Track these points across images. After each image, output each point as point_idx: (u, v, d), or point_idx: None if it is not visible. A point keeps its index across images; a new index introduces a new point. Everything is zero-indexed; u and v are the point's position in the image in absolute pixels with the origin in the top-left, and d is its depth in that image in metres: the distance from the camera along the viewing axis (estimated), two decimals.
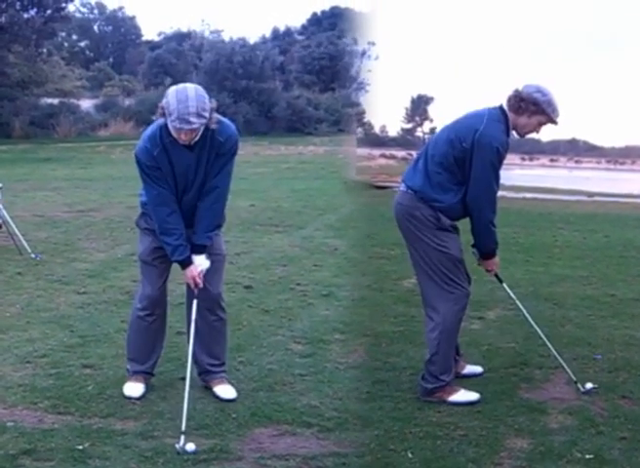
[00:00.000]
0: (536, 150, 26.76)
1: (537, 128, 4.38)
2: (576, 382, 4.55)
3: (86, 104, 35.31)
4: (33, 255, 8.23)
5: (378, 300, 6.70)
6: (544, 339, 4.70)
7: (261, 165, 21.20)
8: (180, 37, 52.36)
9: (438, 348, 4.42)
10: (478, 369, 4.92)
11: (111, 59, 62.16)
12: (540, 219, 12.38)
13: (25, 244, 8.44)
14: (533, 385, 4.72)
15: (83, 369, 4.88)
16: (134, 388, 4.47)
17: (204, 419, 4.14)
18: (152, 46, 52.30)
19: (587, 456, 3.74)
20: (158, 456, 3.70)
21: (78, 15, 57.59)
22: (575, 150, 29.31)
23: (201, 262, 4.34)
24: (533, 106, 4.28)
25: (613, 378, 4.85)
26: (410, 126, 28.53)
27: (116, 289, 6.96)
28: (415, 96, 27.82)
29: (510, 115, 4.34)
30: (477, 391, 4.48)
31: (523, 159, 25.28)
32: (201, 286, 4.36)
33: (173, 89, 4.07)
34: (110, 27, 66.25)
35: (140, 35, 66.58)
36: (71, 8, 35.36)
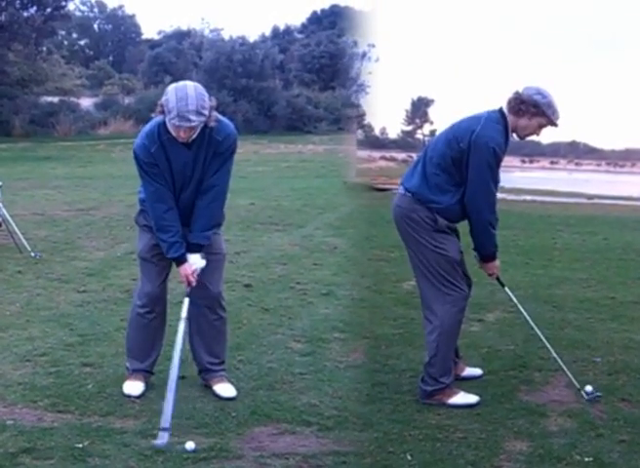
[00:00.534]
0: (536, 152, 26.76)
1: (537, 130, 4.39)
2: (579, 389, 4.51)
3: (86, 103, 35.26)
4: (33, 254, 8.22)
5: (377, 302, 6.70)
6: (545, 343, 4.70)
7: (261, 163, 21.20)
8: (180, 36, 52.30)
9: (437, 350, 4.42)
10: (478, 371, 4.92)
11: (111, 58, 62.15)
12: (539, 222, 12.37)
13: (25, 242, 8.44)
14: (532, 388, 4.72)
15: (83, 367, 4.88)
16: (133, 387, 4.48)
17: (204, 418, 4.15)
18: (152, 44, 52.20)
19: (587, 459, 3.75)
20: (158, 455, 3.70)
21: (78, 13, 57.62)
22: (575, 153, 29.30)
23: (196, 261, 4.34)
24: (533, 108, 4.29)
25: (612, 381, 4.85)
26: (410, 128, 28.53)
27: (116, 287, 6.97)
28: (415, 98, 27.80)
29: (510, 117, 4.35)
30: (476, 393, 4.48)
31: (523, 161, 25.28)
32: (194, 284, 4.36)
33: (172, 86, 4.09)
34: (110, 26, 66.25)
35: (139, 34, 66.59)
36: (71, 6, 35.52)
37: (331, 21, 50.70)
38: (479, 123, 4.29)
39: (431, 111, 27.41)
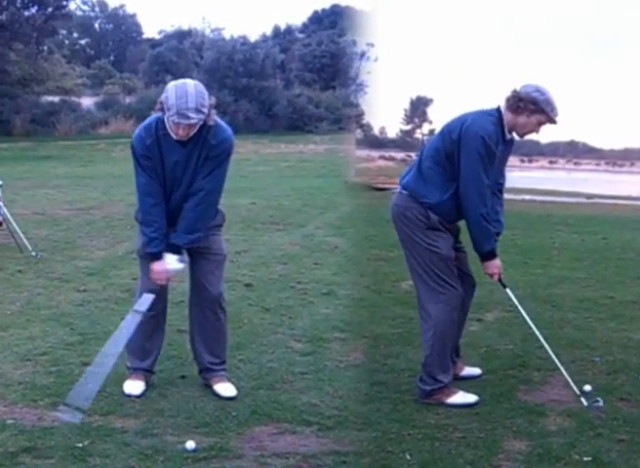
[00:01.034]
0: (535, 152, 26.76)
1: (536, 127, 4.39)
2: (579, 395, 4.49)
3: (87, 102, 35.26)
4: (34, 253, 8.24)
5: (376, 302, 6.71)
6: (545, 344, 4.68)
7: (262, 163, 21.21)
8: (181, 35, 52.32)
9: (432, 349, 4.44)
10: (476, 370, 4.93)
11: (112, 57, 62.19)
12: (538, 221, 12.37)
13: (26, 242, 8.45)
14: (531, 387, 4.73)
15: (83, 366, 4.87)
16: (134, 386, 4.49)
17: (204, 417, 4.16)
18: (153, 44, 52.20)
19: (585, 459, 3.75)
20: (158, 454, 3.71)
21: (79, 12, 57.70)
22: (574, 152, 29.32)
23: (171, 262, 4.31)
24: (532, 105, 4.29)
25: (611, 380, 4.86)
26: (409, 127, 28.56)
27: (116, 286, 6.98)
28: (414, 97, 27.85)
29: (509, 115, 4.35)
30: (475, 393, 4.49)
31: (522, 161, 25.26)
32: (163, 283, 4.37)
33: (172, 84, 4.11)
34: (111, 25, 66.30)
35: (140, 33, 66.62)
36: (72, 6, 35.44)
37: (332, 21, 50.70)
38: (471, 116, 4.34)
39: (430, 111, 27.45)
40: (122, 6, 67.06)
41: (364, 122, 27.37)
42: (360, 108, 31.99)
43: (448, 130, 4.37)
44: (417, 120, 28.07)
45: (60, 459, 3.64)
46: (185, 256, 4.41)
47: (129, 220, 9.19)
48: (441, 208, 4.38)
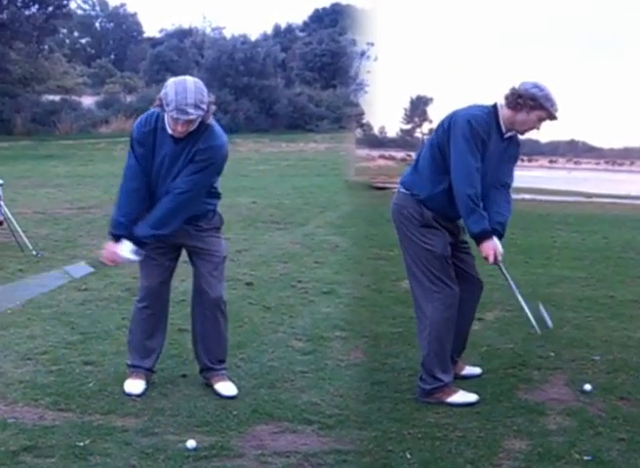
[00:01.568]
0: (535, 151, 26.74)
1: (536, 124, 4.38)
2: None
3: (87, 101, 35.27)
4: (34, 252, 8.25)
5: (376, 301, 6.72)
6: (523, 305, 4.58)
7: (263, 162, 21.22)
8: (182, 34, 52.32)
9: (429, 348, 4.44)
10: (477, 370, 4.93)
11: (113, 56, 62.16)
12: (538, 221, 12.37)
13: (27, 240, 8.46)
14: (531, 386, 4.73)
15: (84, 365, 4.89)
16: (134, 385, 4.49)
17: (205, 416, 4.16)
18: (154, 43, 52.18)
19: (586, 458, 3.75)
20: (159, 453, 3.71)
21: (79, 11, 57.68)
22: (574, 151, 29.33)
23: (124, 249, 4.27)
24: (531, 101, 4.28)
25: (611, 379, 4.86)
26: (409, 127, 28.57)
27: (117, 285, 6.98)
28: (414, 96, 27.85)
29: (508, 113, 4.35)
30: (476, 392, 4.49)
31: (522, 160, 25.18)
32: (108, 264, 4.38)
33: (172, 80, 4.13)
34: (112, 24, 66.27)
35: (141, 32, 66.59)
36: (73, 5, 35.45)
37: (332, 20, 50.67)
38: (463, 109, 4.38)
39: (430, 110, 27.42)
40: (123, 5, 67.10)
41: (364, 121, 27.38)
42: (360, 107, 31.98)
43: (440, 123, 4.41)
44: (417, 119, 28.08)
45: (60, 458, 3.64)
46: (141, 251, 4.31)
47: None
48: (433, 201, 4.38)
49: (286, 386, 4.64)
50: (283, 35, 53.20)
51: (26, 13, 32.41)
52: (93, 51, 63.22)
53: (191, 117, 4.05)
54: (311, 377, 4.79)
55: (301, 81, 41.80)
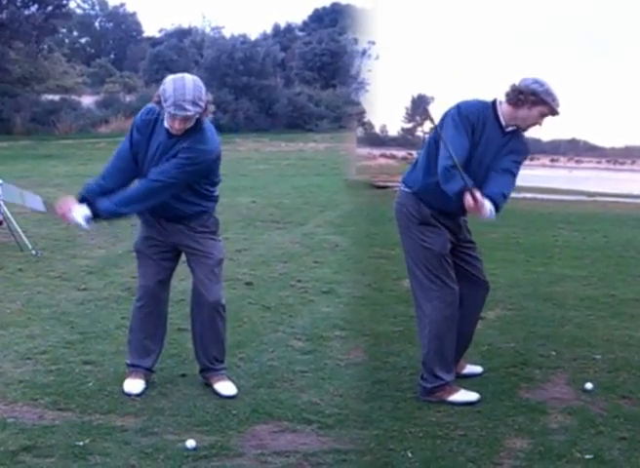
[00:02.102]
0: (536, 150, 26.73)
1: (538, 119, 4.34)
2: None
3: (87, 101, 35.26)
4: (34, 252, 8.23)
5: (377, 300, 6.71)
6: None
7: (262, 161, 21.19)
8: (181, 33, 52.34)
9: (429, 347, 4.44)
10: (478, 368, 4.92)
11: (112, 56, 62.19)
12: (540, 219, 12.37)
13: (26, 240, 8.45)
14: (532, 385, 4.72)
15: (83, 365, 4.88)
16: (134, 385, 4.48)
17: (204, 416, 4.15)
18: (153, 42, 52.22)
19: (587, 456, 3.75)
20: (158, 453, 3.70)
21: (79, 11, 57.57)
22: (575, 150, 29.30)
23: (78, 211, 4.22)
24: (532, 96, 4.25)
25: (612, 378, 4.85)
26: (410, 126, 28.51)
27: (117, 285, 6.97)
28: (415, 95, 27.79)
29: (509, 109, 4.33)
30: (477, 391, 4.48)
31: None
32: (57, 216, 4.37)
33: (170, 77, 4.14)
34: (111, 24, 66.30)
35: (140, 31, 66.62)
36: (72, 4, 35.41)
37: (332, 19, 50.68)
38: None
39: (431, 108, 27.37)
40: (122, 4, 67.16)
41: (365, 120, 27.34)
42: (361, 106, 31.95)
43: (440, 120, 4.39)
44: (418, 118, 28.03)
45: (60, 458, 3.64)
46: (93, 222, 4.28)
47: (129, 219, 9.20)
48: (426, 192, 4.38)
49: (285, 386, 4.63)
50: (283, 35, 53.21)
51: (26, 12, 32.38)
52: (92, 50, 63.24)
53: (189, 113, 4.04)
54: (311, 377, 4.78)
55: (301, 81, 41.83)
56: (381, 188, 15.33)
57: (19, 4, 32.32)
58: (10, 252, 8.34)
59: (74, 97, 34.67)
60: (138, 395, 4.41)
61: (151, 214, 4.45)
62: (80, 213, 4.23)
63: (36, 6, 32.76)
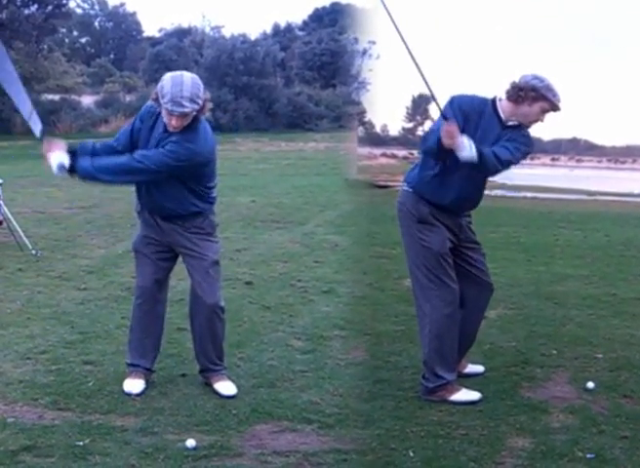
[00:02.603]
0: (537, 149, 26.61)
1: (540, 116, 4.32)
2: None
3: (87, 101, 35.30)
4: (34, 252, 8.22)
5: (378, 299, 6.70)
6: None
7: (262, 161, 21.19)
8: (181, 33, 52.39)
9: (430, 346, 4.43)
10: (479, 368, 4.91)
11: (112, 56, 62.20)
12: (541, 219, 12.37)
13: (26, 240, 8.43)
14: (534, 384, 4.71)
15: (83, 365, 4.87)
16: (134, 384, 4.47)
17: (204, 416, 4.14)
18: (153, 42, 52.24)
19: (589, 455, 3.73)
20: (158, 453, 3.69)
21: (79, 11, 57.61)
22: (576, 149, 29.30)
23: (58, 157, 4.17)
24: (532, 92, 4.24)
25: (614, 378, 4.84)
26: (411, 125, 28.48)
27: (116, 285, 6.96)
28: (416, 95, 27.75)
29: (510, 106, 4.31)
30: (478, 390, 4.47)
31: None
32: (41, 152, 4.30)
33: (168, 75, 4.13)
34: (111, 23, 66.29)
35: (140, 31, 66.63)
36: (72, 4, 35.44)
37: (332, 19, 50.68)
38: None
39: (432, 108, 27.34)
40: (122, 4, 67.16)
41: (366, 120, 27.32)
42: (362, 106, 31.95)
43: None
44: (419, 117, 28.01)
45: (60, 458, 3.62)
46: (66, 173, 4.23)
47: (129, 219, 9.19)
48: (422, 184, 4.38)
49: (285, 385, 4.61)
50: (282, 34, 53.23)
51: (26, 12, 32.41)
52: (92, 50, 63.25)
53: (186, 110, 4.02)
54: (311, 376, 4.77)
55: (301, 80, 41.85)
56: (382, 188, 15.33)
57: (18, 4, 32.34)
58: (10, 251, 8.33)
59: (74, 97, 34.71)
60: (138, 395, 4.39)
61: (149, 211, 4.45)
62: (58, 158, 4.18)
63: (36, 6, 32.79)
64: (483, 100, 4.37)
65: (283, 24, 56.26)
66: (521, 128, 4.34)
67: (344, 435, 3.96)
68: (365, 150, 23.17)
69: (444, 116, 4.05)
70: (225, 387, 4.47)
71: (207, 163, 4.32)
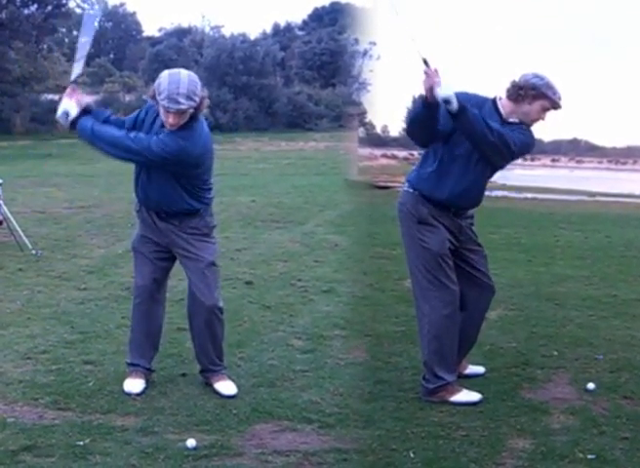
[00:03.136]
0: (537, 150, 26.71)
1: (540, 114, 4.32)
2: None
3: (86, 100, 35.24)
4: (34, 252, 8.21)
5: (379, 300, 6.69)
6: None
7: (262, 161, 21.20)
8: (181, 33, 52.36)
9: (429, 347, 4.42)
10: (480, 369, 4.90)
11: (112, 56, 62.13)
12: (541, 219, 12.37)
13: (26, 240, 8.43)
14: (535, 385, 4.70)
15: (83, 365, 4.86)
16: (134, 384, 4.46)
17: (204, 415, 4.13)
18: (153, 42, 52.25)
19: (589, 456, 3.73)
20: (159, 452, 3.69)
21: (78, 10, 57.40)
22: (576, 150, 29.33)
23: (68, 105, 4.55)
24: (532, 91, 4.23)
25: (614, 379, 4.83)
26: None
27: (116, 284, 6.96)
28: (416, 96, 27.74)
29: (510, 105, 4.31)
30: (479, 391, 4.46)
31: (524, 159, 25.21)
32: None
33: (166, 72, 4.13)
34: (111, 23, 66.15)
35: (140, 31, 66.61)
36: (72, 4, 35.31)
37: (332, 18, 50.70)
38: None
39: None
40: (122, 4, 67.08)
41: (366, 120, 27.32)
42: (363, 107, 31.94)
43: None
44: None
45: (60, 458, 3.62)
46: (66, 122, 4.60)
47: (129, 218, 9.18)
48: (421, 181, 4.38)
49: (286, 385, 4.61)
50: (282, 34, 53.24)
51: (25, 12, 32.42)
52: (92, 50, 62.70)
53: (182, 107, 4.01)
54: (311, 376, 4.76)
55: (301, 80, 41.87)
56: (383, 189, 15.32)
57: (18, 4, 32.34)
58: (10, 251, 8.32)
59: None
60: (138, 394, 4.39)
61: (145, 207, 4.46)
62: (69, 106, 4.47)
63: (36, 5, 32.79)
64: (483, 99, 4.39)
65: (283, 24, 56.35)
66: (522, 124, 4.33)
67: (345, 435, 3.95)
68: (365, 151, 23.18)
69: (425, 61, 4.04)
70: (226, 387, 4.46)
71: (197, 165, 4.28)
